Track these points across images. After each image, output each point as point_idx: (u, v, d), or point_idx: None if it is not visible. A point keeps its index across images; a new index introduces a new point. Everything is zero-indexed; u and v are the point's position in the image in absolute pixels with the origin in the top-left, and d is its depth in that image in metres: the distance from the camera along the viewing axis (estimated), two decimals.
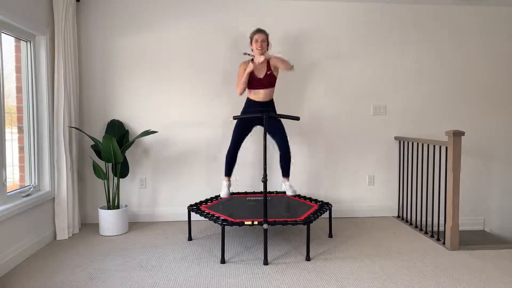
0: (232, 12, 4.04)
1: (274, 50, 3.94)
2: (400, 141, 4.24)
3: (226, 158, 3.49)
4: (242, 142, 3.50)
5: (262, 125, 3.48)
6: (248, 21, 4.04)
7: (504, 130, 4.37)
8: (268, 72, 3.38)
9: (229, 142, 3.49)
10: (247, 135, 3.51)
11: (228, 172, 3.52)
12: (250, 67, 3.30)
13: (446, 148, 3.30)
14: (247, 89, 3.46)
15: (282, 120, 3.68)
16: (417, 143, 3.96)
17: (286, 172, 3.48)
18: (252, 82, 3.39)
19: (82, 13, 3.91)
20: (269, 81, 3.40)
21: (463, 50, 4.28)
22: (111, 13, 3.93)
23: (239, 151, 3.51)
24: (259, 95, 3.42)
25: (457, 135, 3.18)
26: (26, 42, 3.28)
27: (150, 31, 3.97)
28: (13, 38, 3.17)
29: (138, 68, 3.99)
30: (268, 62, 3.39)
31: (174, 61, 4.01)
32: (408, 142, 4.07)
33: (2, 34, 2.89)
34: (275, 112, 3.49)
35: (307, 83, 4.14)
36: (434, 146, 3.61)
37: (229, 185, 3.54)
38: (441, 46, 4.26)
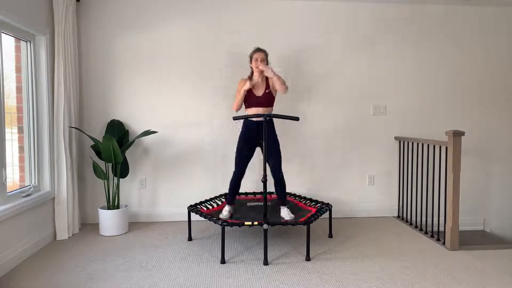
0: (232, 13, 4.03)
1: (274, 50, 3.95)
2: (400, 141, 4.24)
3: (230, 185, 3.38)
4: (246, 167, 3.36)
5: (261, 146, 3.34)
6: (248, 21, 4.04)
7: (504, 130, 4.36)
8: (267, 91, 3.29)
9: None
10: (250, 159, 3.37)
11: (231, 200, 3.41)
12: (247, 85, 3.20)
13: (446, 148, 3.30)
14: (245, 109, 3.37)
15: (283, 120, 3.68)
16: (417, 143, 3.96)
17: (282, 199, 3.35)
18: (251, 100, 3.28)
19: (82, 13, 3.91)
20: (268, 100, 3.29)
21: (463, 50, 4.28)
22: (111, 13, 3.93)
23: (243, 178, 3.39)
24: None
25: (457, 135, 3.18)
26: (26, 42, 3.28)
27: (150, 31, 3.97)
28: (13, 38, 3.17)
29: (138, 68, 3.99)
30: (267, 80, 3.31)
31: (174, 61, 4.01)
32: (408, 142, 4.07)
33: (2, 34, 2.89)
34: (275, 133, 3.33)
35: (306, 83, 4.14)
36: (434, 146, 3.61)
37: (231, 211, 3.39)
38: (441, 46, 4.26)
